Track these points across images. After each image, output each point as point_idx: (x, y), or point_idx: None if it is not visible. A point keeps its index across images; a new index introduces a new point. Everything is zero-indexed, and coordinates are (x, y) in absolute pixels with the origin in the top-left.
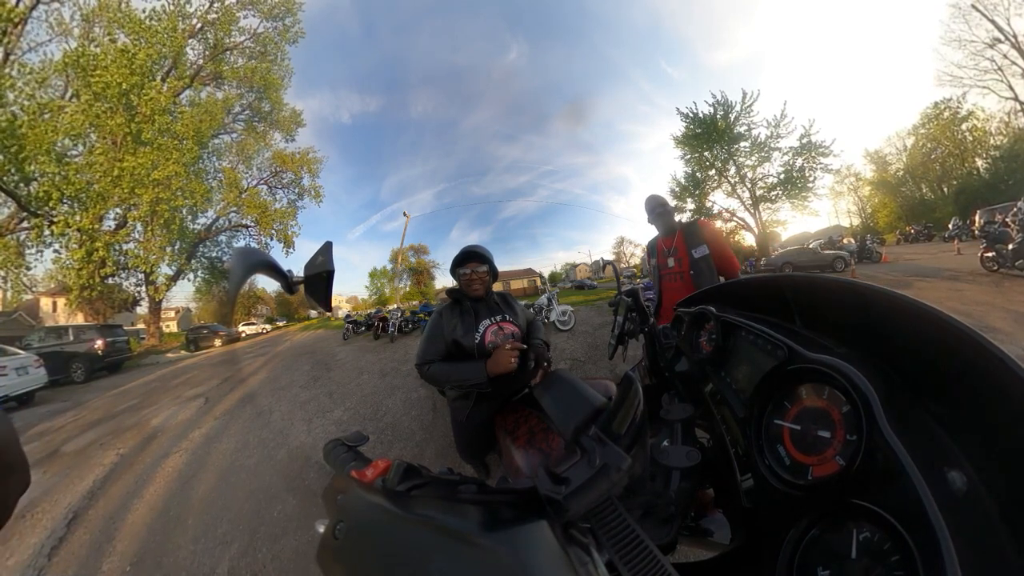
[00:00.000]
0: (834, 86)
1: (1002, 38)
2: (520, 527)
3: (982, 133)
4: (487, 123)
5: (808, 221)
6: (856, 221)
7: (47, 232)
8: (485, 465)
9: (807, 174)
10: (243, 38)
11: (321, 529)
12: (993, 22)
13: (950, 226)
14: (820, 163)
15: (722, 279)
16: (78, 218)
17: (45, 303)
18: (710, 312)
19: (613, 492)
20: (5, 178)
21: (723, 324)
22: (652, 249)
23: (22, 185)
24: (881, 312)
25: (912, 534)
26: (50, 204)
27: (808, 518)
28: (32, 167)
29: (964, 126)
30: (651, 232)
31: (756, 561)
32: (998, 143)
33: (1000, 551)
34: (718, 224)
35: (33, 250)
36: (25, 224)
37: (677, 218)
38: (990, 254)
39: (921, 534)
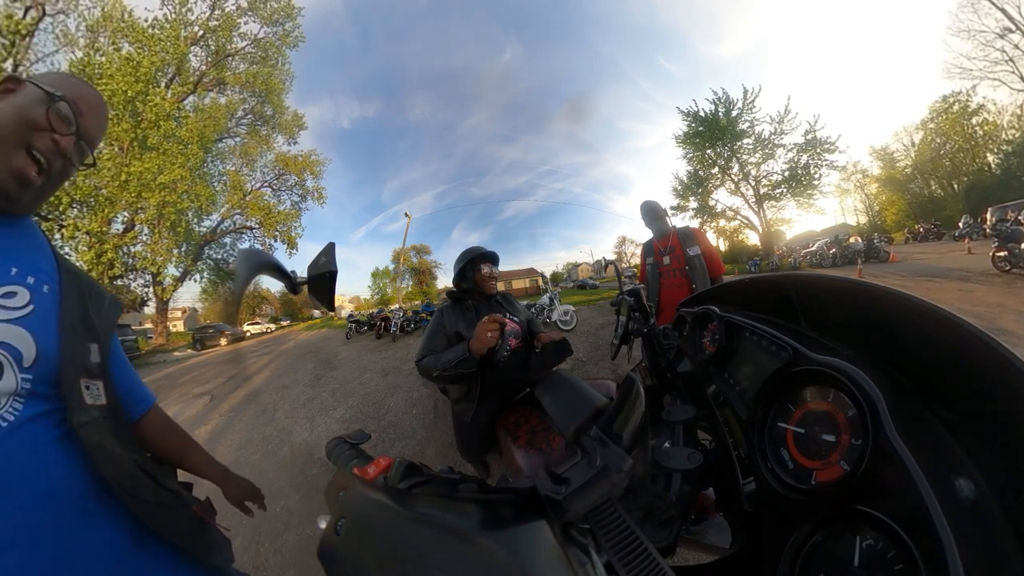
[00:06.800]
0: (838, 79)
1: (1013, 28)
2: (520, 527)
3: (993, 127)
4: (485, 125)
5: (813, 219)
6: (863, 219)
7: (57, 236)
8: (486, 464)
9: (812, 171)
10: (244, 43)
11: (323, 525)
12: (1003, 11)
13: (960, 224)
14: (825, 160)
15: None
16: (87, 222)
17: None
18: (713, 312)
19: (613, 493)
20: None
21: (726, 324)
22: (648, 249)
23: None
24: (888, 313)
25: (917, 542)
26: (60, 208)
27: (810, 523)
28: None
29: (974, 120)
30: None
31: (756, 566)
32: (1010, 137)
33: (1008, 562)
34: (721, 223)
35: None
36: None
37: (671, 223)
38: (1002, 253)
39: (926, 543)
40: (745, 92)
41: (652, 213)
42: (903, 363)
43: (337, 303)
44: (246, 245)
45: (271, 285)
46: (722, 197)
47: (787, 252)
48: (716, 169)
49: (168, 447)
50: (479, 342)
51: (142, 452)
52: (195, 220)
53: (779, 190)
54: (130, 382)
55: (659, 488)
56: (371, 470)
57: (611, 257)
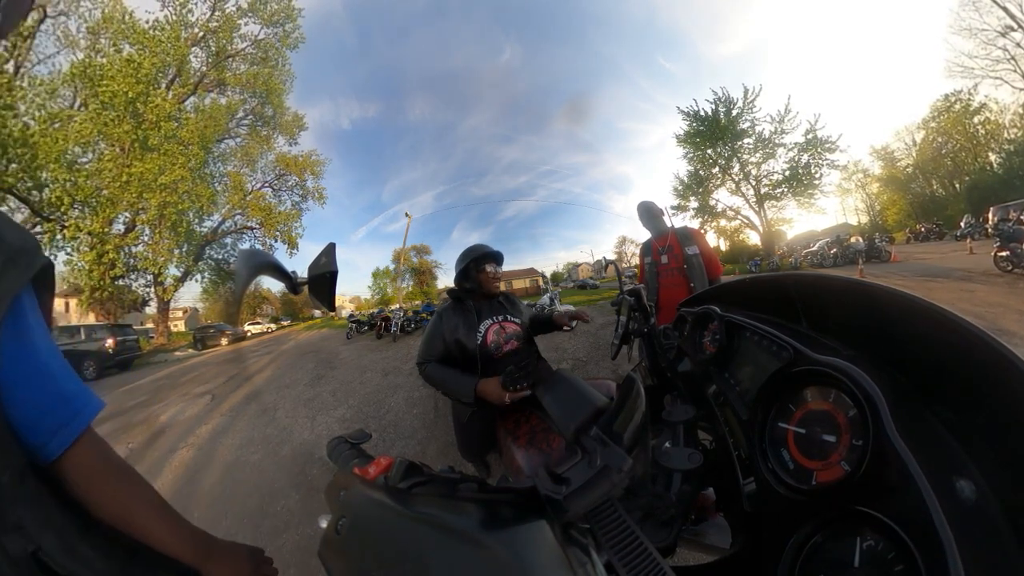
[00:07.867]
0: (839, 79)
1: (1015, 26)
2: (520, 526)
3: (995, 126)
4: (484, 125)
5: (814, 219)
6: (864, 219)
7: (59, 236)
8: (486, 464)
9: (813, 171)
10: (244, 44)
11: (323, 524)
12: (1005, 9)
13: (962, 224)
14: (826, 159)
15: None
16: (89, 222)
17: (58, 304)
18: (714, 312)
19: (613, 493)
20: (19, 185)
21: (727, 324)
22: (647, 249)
23: (35, 192)
24: (890, 313)
25: (917, 544)
26: (62, 209)
27: (811, 524)
28: (44, 174)
29: (976, 119)
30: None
31: (757, 566)
32: (1012, 136)
33: (1009, 565)
34: (722, 222)
35: (46, 253)
36: (38, 229)
37: (669, 222)
38: (1004, 253)
39: (927, 544)
40: (745, 91)
41: (648, 213)
42: (904, 363)
43: (337, 303)
44: (247, 245)
45: (272, 285)
46: (723, 197)
47: (788, 252)
48: (716, 169)
49: (100, 504)
50: (487, 393)
51: (48, 527)
52: (196, 220)
53: (780, 190)
54: (50, 394)
55: (659, 488)
56: (372, 470)
57: (611, 257)
